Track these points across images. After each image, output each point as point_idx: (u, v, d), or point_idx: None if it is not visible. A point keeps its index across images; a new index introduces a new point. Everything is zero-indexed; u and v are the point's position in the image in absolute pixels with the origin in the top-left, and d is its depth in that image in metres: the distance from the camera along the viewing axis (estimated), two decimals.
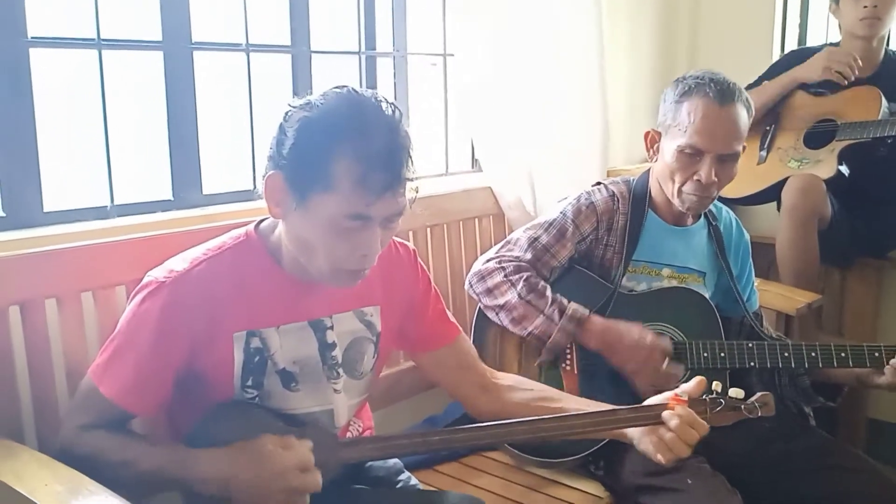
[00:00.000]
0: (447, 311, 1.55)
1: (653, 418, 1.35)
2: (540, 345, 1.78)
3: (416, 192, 1.24)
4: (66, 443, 1.25)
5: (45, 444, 1.39)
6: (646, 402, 1.39)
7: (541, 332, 1.76)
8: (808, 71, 2.50)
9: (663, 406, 1.35)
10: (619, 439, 1.43)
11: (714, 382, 1.39)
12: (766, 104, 2.59)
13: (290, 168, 1.19)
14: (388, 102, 1.22)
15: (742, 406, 1.39)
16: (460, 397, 1.55)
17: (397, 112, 1.21)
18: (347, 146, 1.16)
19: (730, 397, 1.38)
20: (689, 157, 1.75)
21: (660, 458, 1.34)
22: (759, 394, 1.41)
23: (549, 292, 1.78)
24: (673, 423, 1.32)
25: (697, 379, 1.37)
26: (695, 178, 1.75)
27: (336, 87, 1.22)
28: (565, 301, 1.77)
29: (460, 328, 1.56)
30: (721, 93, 1.72)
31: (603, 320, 1.77)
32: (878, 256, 2.66)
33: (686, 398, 1.34)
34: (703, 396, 1.39)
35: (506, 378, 1.57)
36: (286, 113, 1.22)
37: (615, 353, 1.74)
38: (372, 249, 1.22)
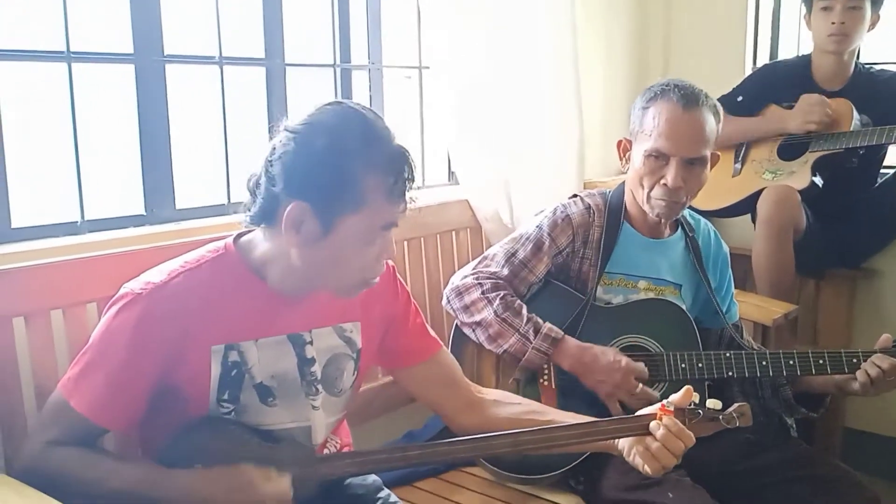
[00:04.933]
0: (427, 325, 1.54)
1: (639, 429, 1.34)
2: (515, 363, 1.77)
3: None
4: (32, 460, 1.21)
5: (12, 465, 1.34)
6: (636, 413, 1.39)
7: (515, 351, 1.75)
8: (792, 124, 2.50)
9: (651, 416, 1.34)
10: (607, 451, 1.42)
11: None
12: (746, 138, 2.61)
13: (318, 195, 1.19)
14: (373, 111, 1.27)
15: (720, 416, 1.38)
16: (443, 414, 1.53)
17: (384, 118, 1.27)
18: (371, 161, 1.20)
19: (707, 408, 1.38)
20: (656, 160, 1.75)
21: (647, 469, 1.33)
22: (736, 404, 1.40)
23: (525, 311, 1.77)
24: (660, 433, 1.32)
25: (685, 389, 1.36)
26: (662, 182, 1.76)
27: (329, 105, 1.24)
28: (540, 321, 1.76)
29: (441, 343, 1.54)
30: (685, 97, 1.73)
31: (577, 342, 1.76)
32: (851, 266, 2.69)
33: (672, 409, 1.34)
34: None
35: (490, 393, 1.56)
36: (292, 139, 1.19)
37: (589, 375, 1.73)
38: (392, 252, 1.29)
